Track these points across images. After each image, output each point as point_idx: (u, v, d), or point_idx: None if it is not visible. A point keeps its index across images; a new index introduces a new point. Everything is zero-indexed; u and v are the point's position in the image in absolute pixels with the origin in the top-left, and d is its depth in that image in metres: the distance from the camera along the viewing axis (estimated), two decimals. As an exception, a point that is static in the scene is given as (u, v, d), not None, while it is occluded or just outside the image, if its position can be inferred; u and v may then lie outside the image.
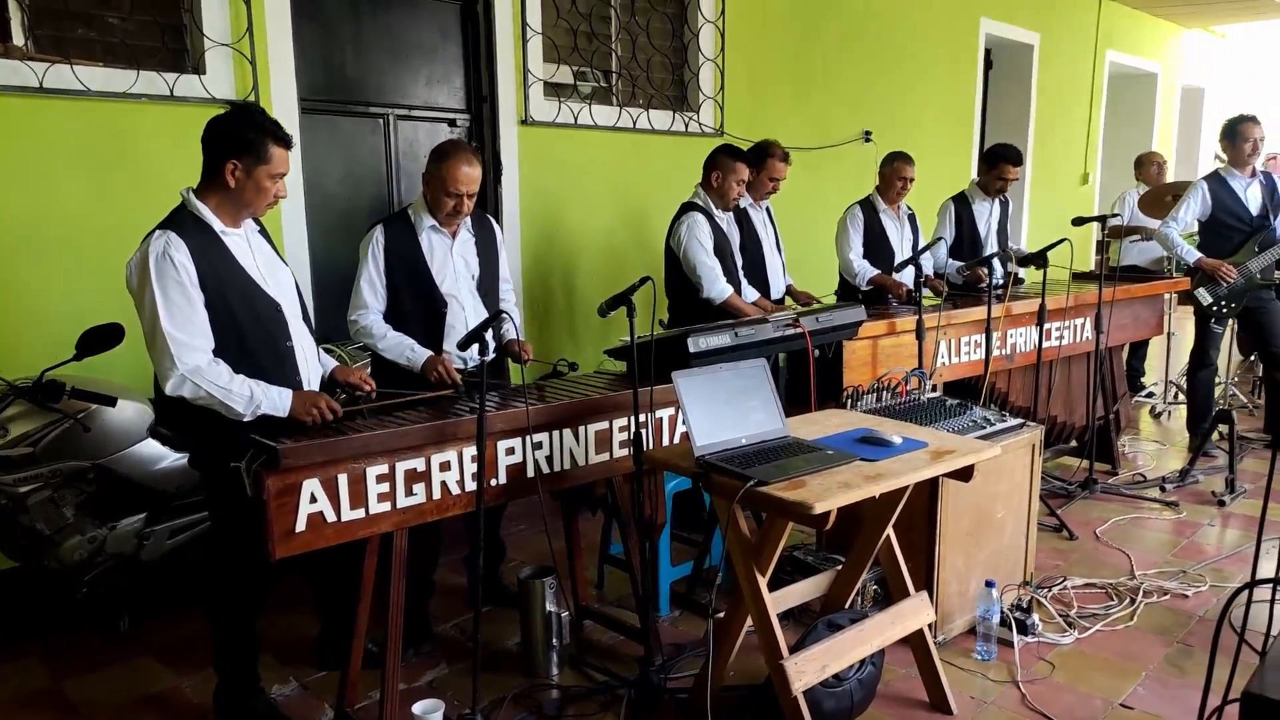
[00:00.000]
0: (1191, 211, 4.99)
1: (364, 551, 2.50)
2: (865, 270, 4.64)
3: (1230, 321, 5.09)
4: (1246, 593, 1.65)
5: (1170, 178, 7.05)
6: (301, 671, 2.98)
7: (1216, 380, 5.39)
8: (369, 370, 3.30)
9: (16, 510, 2.94)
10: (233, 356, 2.39)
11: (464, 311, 3.11)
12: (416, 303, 3.06)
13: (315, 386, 2.63)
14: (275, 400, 2.36)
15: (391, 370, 3.01)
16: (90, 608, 3.19)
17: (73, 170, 3.36)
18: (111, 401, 2.92)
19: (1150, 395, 6.47)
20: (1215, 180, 4.98)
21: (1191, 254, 4.92)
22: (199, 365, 2.31)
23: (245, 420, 2.34)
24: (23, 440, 2.88)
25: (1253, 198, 4.88)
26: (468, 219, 3.11)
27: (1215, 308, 4.92)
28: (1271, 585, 1.59)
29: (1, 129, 3.20)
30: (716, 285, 3.94)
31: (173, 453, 3.17)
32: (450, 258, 3.10)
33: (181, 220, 2.41)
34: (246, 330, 2.43)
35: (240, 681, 2.67)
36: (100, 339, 2.80)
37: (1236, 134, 4.85)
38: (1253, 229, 4.85)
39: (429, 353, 2.98)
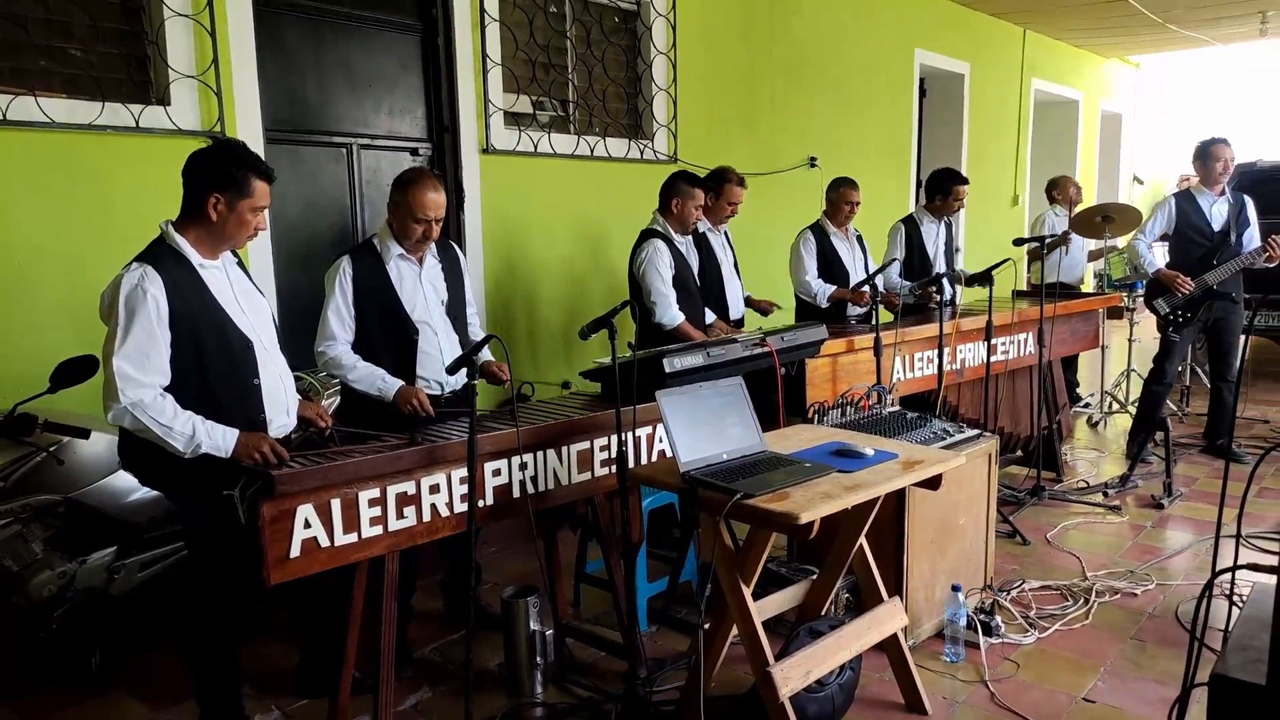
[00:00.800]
0: (1159, 225, 5.30)
1: (349, 577, 2.52)
2: (823, 289, 4.80)
3: (1191, 335, 5.36)
4: (1214, 584, 1.79)
5: (1093, 198, 7.42)
6: (282, 700, 2.97)
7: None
8: (339, 401, 3.33)
9: (-17, 548, 2.89)
10: (195, 391, 2.41)
11: (437, 337, 3.14)
12: (388, 332, 3.08)
13: (290, 419, 2.65)
14: (218, 441, 2.37)
15: (363, 401, 3.03)
16: (60, 645, 3.13)
17: (36, 203, 3.33)
18: (85, 434, 2.90)
19: (1086, 406, 6.76)
20: (1184, 196, 5.29)
21: (1154, 265, 5.22)
22: (142, 399, 2.31)
23: (186, 458, 2.35)
24: (-7, 475, 2.84)
25: (1217, 214, 5.17)
26: (433, 245, 3.15)
27: (1171, 316, 5.20)
28: (1231, 572, 1.73)
29: (-36, 161, 3.17)
30: (669, 312, 4.04)
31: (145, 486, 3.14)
32: (420, 285, 3.13)
33: (159, 254, 2.43)
34: (212, 366, 2.45)
35: (224, 715, 2.65)
36: (74, 371, 2.80)
37: (1208, 155, 5.13)
38: (1213, 244, 5.13)
39: (400, 383, 2.99)
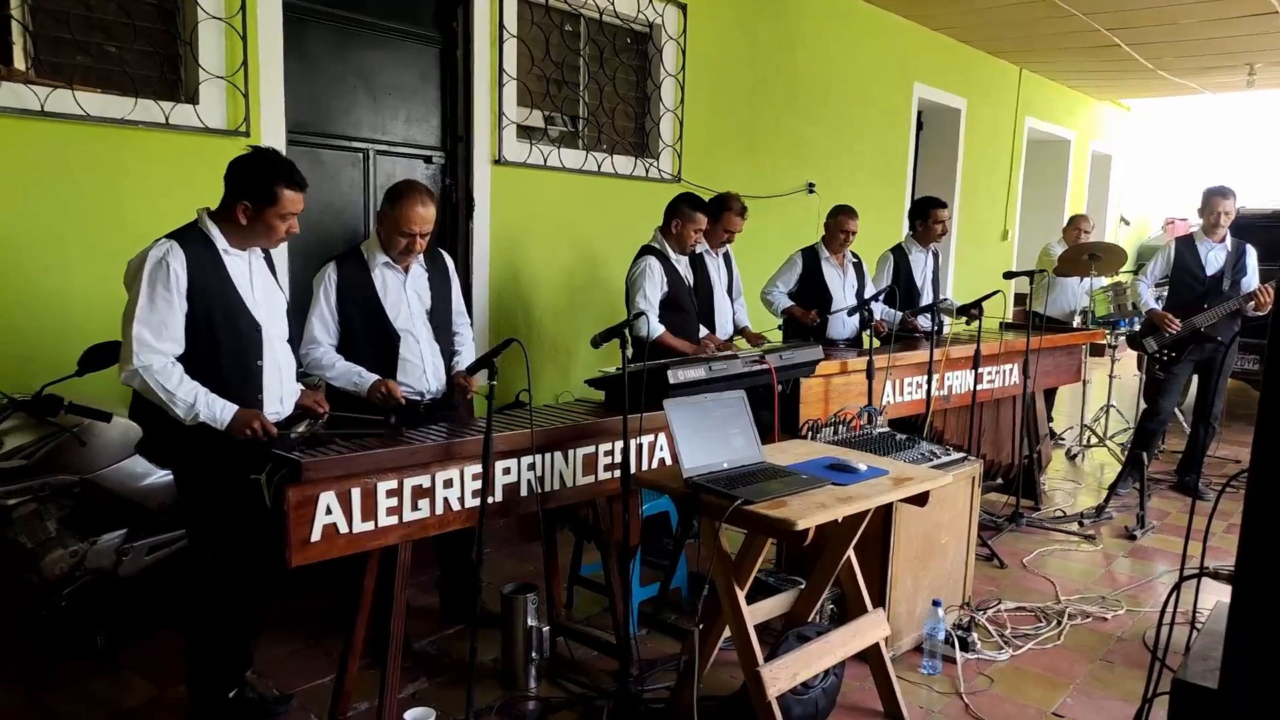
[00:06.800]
0: (1158, 268, 5.57)
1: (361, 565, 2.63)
2: (780, 302, 5.00)
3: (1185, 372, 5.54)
4: (1179, 611, 1.93)
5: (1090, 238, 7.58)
6: (284, 684, 3.06)
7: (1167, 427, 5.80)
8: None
9: (0, 523, 2.98)
10: (201, 365, 2.56)
11: (419, 345, 3.22)
12: (370, 338, 3.16)
13: (285, 408, 2.79)
14: (216, 413, 2.53)
15: (344, 398, 3.10)
16: (69, 622, 3.21)
17: (64, 192, 3.43)
18: (107, 417, 2.99)
19: (1062, 441, 6.93)
20: (1184, 242, 5.53)
21: (1149, 305, 5.49)
22: (152, 364, 2.48)
23: (185, 423, 2.51)
24: (17, 453, 2.93)
25: (1213, 260, 5.38)
26: (420, 254, 3.22)
27: (1158, 355, 5.43)
28: (1197, 577, 1.87)
29: (1, 149, 3.26)
30: (647, 326, 4.09)
31: (158, 469, 3.24)
32: (404, 293, 3.21)
33: (190, 235, 2.60)
34: (221, 345, 2.60)
35: (212, 706, 2.73)
36: (101, 356, 2.89)
37: (1206, 206, 5.36)
38: (1205, 288, 5.36)
39: (375, 377, 3.08)
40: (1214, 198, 5.30)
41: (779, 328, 5.27)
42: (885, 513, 3.18)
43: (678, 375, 3.11)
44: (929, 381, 4.31)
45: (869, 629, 2.89)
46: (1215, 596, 2.18)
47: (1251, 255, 5.39)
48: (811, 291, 5.05)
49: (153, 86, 3.64)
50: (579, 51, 5.28)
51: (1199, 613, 3.15)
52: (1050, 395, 6.74)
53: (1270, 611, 1.43)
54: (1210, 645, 1.88)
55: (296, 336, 3.08)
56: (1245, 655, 1.48)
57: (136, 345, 2.47)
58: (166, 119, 3.59)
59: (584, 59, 5.31)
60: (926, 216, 5.25)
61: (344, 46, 4.34)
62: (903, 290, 5.29)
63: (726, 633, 2.79)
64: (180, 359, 2.54)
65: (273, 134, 3.91)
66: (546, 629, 3.11)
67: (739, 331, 4.93)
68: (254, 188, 2.57)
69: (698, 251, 4.57)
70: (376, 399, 3.04)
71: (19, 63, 3.33)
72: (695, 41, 5.81)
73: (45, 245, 3.40)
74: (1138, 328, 6.12)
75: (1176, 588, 1.90)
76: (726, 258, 4.88)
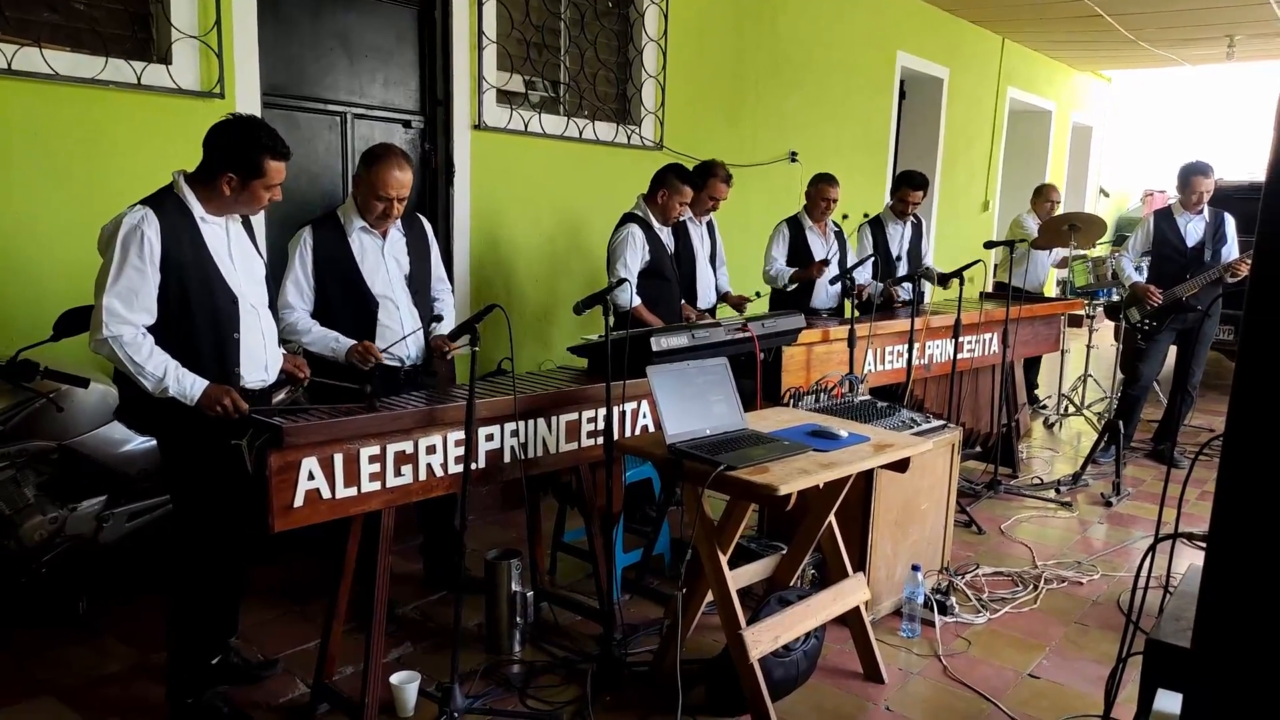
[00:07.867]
0: (1139, 242, 5.62)
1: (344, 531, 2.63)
2: (784, 272, 5.00)
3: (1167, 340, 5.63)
4: (1153, 575, 1.96)
5: (1061, 207, 7.58)
6: (269, 648, 3.06)
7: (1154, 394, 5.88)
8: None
9: (-24, 490, 2.95)
10: (175, 336, 2.52)
11: (398, 310, 3.18)
12: (347, 303, 3.12)
13: (270, 375, 2.75)
14: (186, 388, 2.48)
15: (320, 363, 3.07)
16: (49, 589, 3.19)
17: (36, 153, 3.35)
18: (84, 383, 2.95)
19: (1044, 408, 7.00)
20: (1163, 215, 5.58)
21: (1131, 278, 5.57)
22: (122, 335, 2.43)
23: (155, 397, 2.47)
24: (-7, 419, 2.89)
25: (1192, 231, 5.43)
26: (398, 219, 3.18)
27: (1140, 325, 5.51)
28: (1171, 540, 1.90)
29: (-33, 109, 3.19)
30: (622, 295, 4.05)
31: (138, 435, 3.21)
32: (382, 259, 3.16)
33: (164, 201, 2.54)
34: (196, 316, 2.55)
35: (194, 671, 2.70)
36: (77, 320, 2.85)
37: (1187, 185, 5.38)
38: (1187, 259, 5.41)
39: (351, 342, 3.03)
40: (1194, 177, 5.33)
41: (772, 290, 5.27)
42: (866, 479, 3.21)
43: (661, 342, 3.11)
44: (910, 350, 4.34)
45: (849, 593, 2.93)
46: (1188, 560, 2.22)
47: (1230, 224, 5.43)
48: (797, 260, 5.06)
49: (123, 45, 3.56)
50: (559, 15, 5.21)
51: (1172, 577, 3.20)
52: (1034, 364, 6.80)
53: (1242, 573, 1.46)
54: (1183, 606, 1.92)
55: (274, 302, 3.05)
56: (1218, 615, 1.51)
57: (107, 315, 2.42)
58: (138, 79, 3.52)
59: (565, 22, 5.24)
60: (896, 190, 5.35)
61: (320, 6, 4.25)
62: (881, 261, 5.31)
63: (709, 597, 2.82)
64: (154, 330, 2.49)
65: (248, 96, 3.84)
66: (530, 594, 3.12)
67: (722, 298, 4.92)
68: (239, 160, 2.50)
69: (681, 219, 4.55)
70: (355, 361, 3.00)
71: (-16, 20, 3.24)
72: (677, 7, 5.75)
73: (17, 207, 3.33)
74: (1116, 298, 6.18)
75: (1151, 550, 1.93)
76: (710, 226, 4.86)
